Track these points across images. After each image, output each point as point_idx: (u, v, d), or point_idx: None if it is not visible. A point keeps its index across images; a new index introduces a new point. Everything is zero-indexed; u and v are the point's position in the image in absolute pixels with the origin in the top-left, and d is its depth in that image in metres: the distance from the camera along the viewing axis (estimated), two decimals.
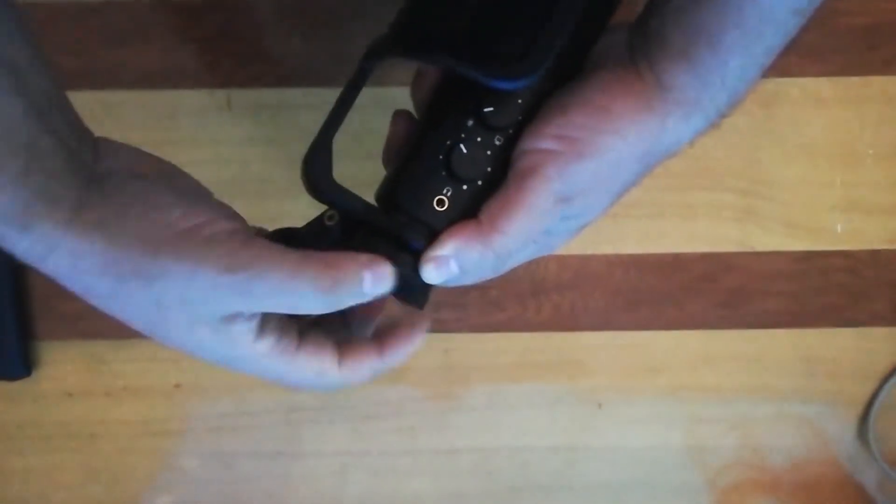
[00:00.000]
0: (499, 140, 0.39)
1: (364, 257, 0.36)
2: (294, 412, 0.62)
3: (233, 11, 0.60)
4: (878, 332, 0.62)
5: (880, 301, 0.62)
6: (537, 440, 0.63)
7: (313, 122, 0.62)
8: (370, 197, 0.40)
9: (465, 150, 0.38)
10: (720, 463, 0.63)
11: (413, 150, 0.40)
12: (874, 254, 0.62)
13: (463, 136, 0.38)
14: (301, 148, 0.62)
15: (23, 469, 0.62)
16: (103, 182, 0.35)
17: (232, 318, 0.35)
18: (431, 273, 0.38)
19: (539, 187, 0.37)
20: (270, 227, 0.61)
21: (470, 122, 0.38)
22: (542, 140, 0.37)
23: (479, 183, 0.39)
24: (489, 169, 0.39)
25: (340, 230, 0.39)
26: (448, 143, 0.38)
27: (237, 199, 0.61)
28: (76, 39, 0.60)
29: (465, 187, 0.38)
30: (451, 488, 0.63)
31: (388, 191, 0.40)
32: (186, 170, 0.60)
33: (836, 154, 0.61)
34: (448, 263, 0.37)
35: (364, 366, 0.40)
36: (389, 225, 0.38)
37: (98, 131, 0.61)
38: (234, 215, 0.38)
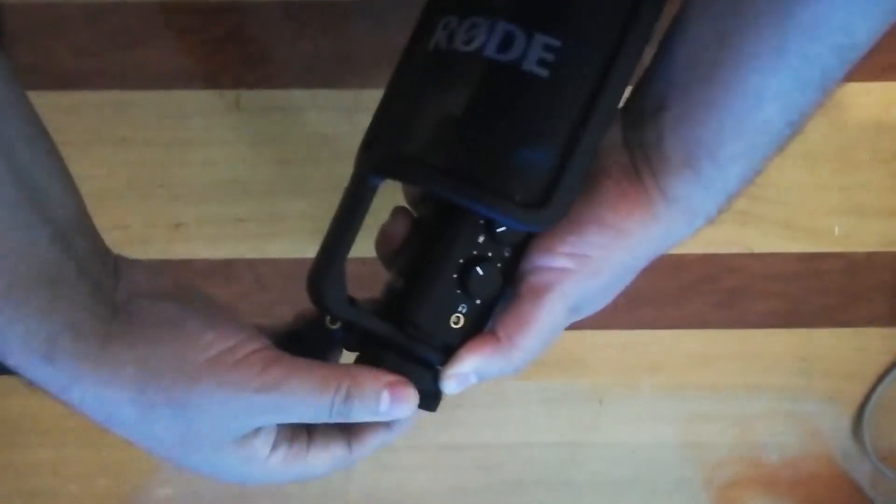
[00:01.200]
0: (508, 252, 0.39)
1: (386, 377, 0.37)
2: None
3: (243, 14, 0.61)
4: (874, 333, 0.63)
5: (876, 302, 0.63)
6: (539, 436, 0.63)
7: (321, 123, 0.63)
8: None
9: (481, 273, 0.38)
10: (717, 459, 0.63)
11: (423, 264, 0.38)
12: (870, 256, 0.63)
13: (475, 252, 0.38)
14: (308, 149, 0.62)
15: (32, 462, 0.62)
16: (126, 308, 0.35)
17: (255, 433, 0.36)
18: (452, 387, 0.38)
19: (554, 304, 0.38)
20: (279, 226, 0.62)
21: (481, 239, 0.38)
22: (556, 258, 0.37)
23: (493, 297, 0.39)
24: (501, 283, 0.39)
25: (344, 332, 0.39)
26: (461, 261, 0.38)
27: (246, 198, 0.62)
28: (88, 40, 0.60)
29: (478, 302, 0.39)
30: (454, 483, 0.63)
31: (401, 308, 0.39)
32: (197, 169, 0.63)
33: (835, 158, 0.62)
34: (468, 378, 0.38)
35: (374, 440, 0.41)
36: (406, 343, 0.38)
37: (110, 131, 0.62)
38: (254, 332, 0.37)
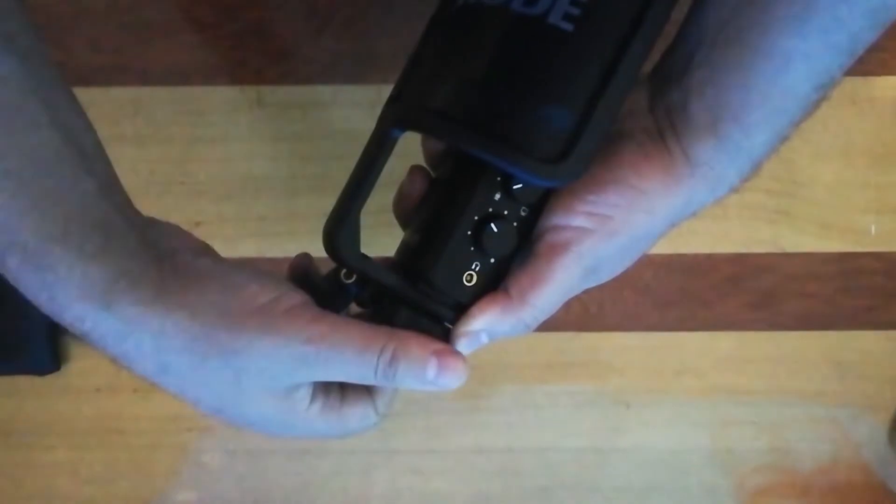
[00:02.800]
0: (524, 211, 0.39)
1: (431, 345, 0.37)
2: None
3: (263, 9, 0.61)
4: None
5: None
6: (564, 440, 0.62)
7: (342, 120, 0.62)
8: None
9: (495, 229, 0.38)
10: (749, 466, 0.62)
11: (438, 221, 0.39)
12: None
13: (491, 210, 0.38)
14: (329, 146, 0.62)
15: (50, 463, 0.62)
16: (171, 260, 0.36)
17: (297, 386, 0.37)
18: (464, 346, 0.38)
19: (570, 263, 0.38)
20: (301, 224, 0.62)
21: (497, 196, 0.38)
22: (575, 217, 0.37)
23: (507, 256, 0.39)
24: (516, 242, 0.39)
25: (358, 287, 0.39)
26: (476, 217, 0.38)
27: (266, 196, 0.62)
28: (108, 36, 0.61)
29: (492, 261, 0.39)
30: (477, 488, 0.62)
31: (415, 264, 0.39)
32: (217, 166, 0.62)
33: (871, 155, 0.61)
34: (479, 336, 0.38)
35: (390, 398, 0.41)
36: (419, 299, 0.38)
37: (130, 127, 0.62)
38: (294, 288, 0.38)
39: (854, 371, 0.62)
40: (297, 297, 0.37)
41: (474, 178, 0.38)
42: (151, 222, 0.38)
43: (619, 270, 0.40)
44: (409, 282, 0.38)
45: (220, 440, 0.62)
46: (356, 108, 0.61)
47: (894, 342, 0.62)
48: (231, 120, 0.61)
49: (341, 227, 0.37)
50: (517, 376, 0.62)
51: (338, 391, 0.39)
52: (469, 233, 0.38)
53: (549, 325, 0.61)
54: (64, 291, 0.33)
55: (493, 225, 0.38)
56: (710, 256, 0.61)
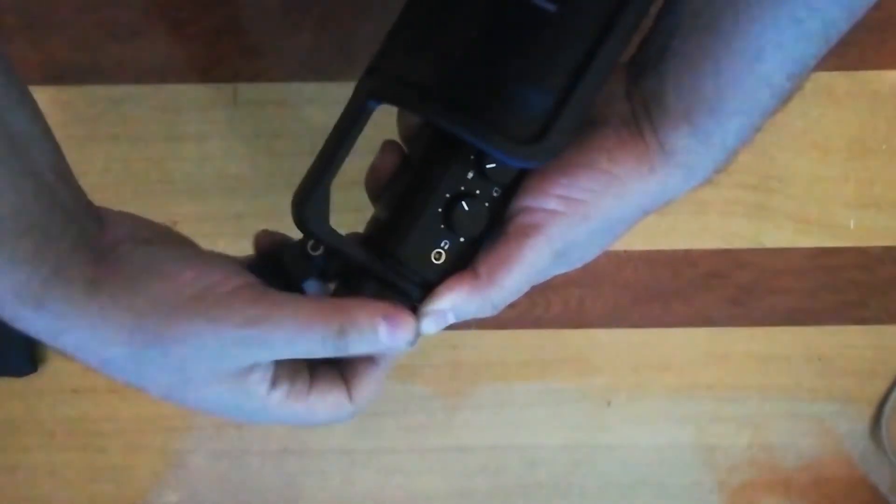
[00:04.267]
0: (496, 191, 0.38)
1: (378, 308, 0.36)
2: None
3: (239, 5, 0.60)
4: (892, 330, 0.62)
5: (893, 298, 0.62)
6: (546, 438, 0.62)
7: (320, 118, 0.62)
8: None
9: (466, 208, 0.37)
10: (731, 462, 0.63)
11: (409, 197, 0.38)
12: (888, 250, 0.61)
13: (463, 188, 0.38)
14: (307, 144, 0.62)
15: (28, 466, 0.62)
16: (111, 253, 0.36)
17: (249, 369, 0.36)
18: (430, 325, 0.38)
19: (540, 246, 0.37)
20: (279, 222, 0.62)
21: (470, 175, 0.38)
22: (547, 200, 0.37)
23: (477, 235, 0.39)
24: (487, 222, 0.39)
25: (324, 259, 0.39)
26: (447, 196, 0.38)
27: (243, 194, 0.61)
28: (81, 33, 0.60)
29: (462, 240, 0.38)
30: (459, 486, 0.62)
31: (384, 239, 0.39)
32: (194, 164, 0.62)
33: (849, 149, 0.61)
34: (446, 315, 0.38)
35: (372, 388, 0.41)
36: (386, 274, 0.38)
37: (105, 126, 0.61)
38: (237, 269, 0.38)
39: (835, 366, 0.62)
40: (237, 280, 0.36)
41: (447, 156, 0.38)
42: (99, 212, 0.38)
43: (589, 257, 0.40)
44: (377, 257, 0.38)
45: (201, 441, 0.62)
46: (333, 105, 0.59)
47: (875, 336, 0.62)
48: (207, 118, 0.60)
49: (311, 197, 0.37)
50: (498, 374, 0.62)
51: (305, 378, 0.39)
52: (440, 210, 0.37)
53: (529, 323, 0.61)
54: None
55: (464, 203, 0.37)
56: (689, 252, 0.61)
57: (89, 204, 0.38)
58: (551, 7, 0.34)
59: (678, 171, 0.38)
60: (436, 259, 0.38)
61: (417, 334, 0.37)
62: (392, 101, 0.37)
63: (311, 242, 0.39)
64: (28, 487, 0.62)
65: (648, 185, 0.38)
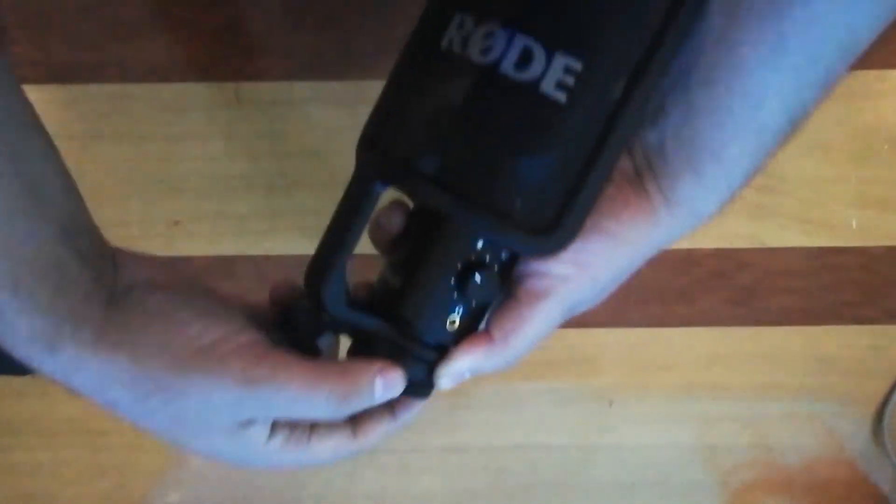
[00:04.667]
0: (505, 254, 0.38)
1: (376, 366, 0.37)
2: None
3: (241, 5, 0.60)
4: (893, 330, 0.62)
5: (895, 298, 0.62)
6: (548, 438, 0.62)
7: (322, 117, 0.62)
8: None
9: (479, 280, 0.38)
10: (732, 462, 0.62)
11: (421, 266, 0.38)
12: (890, 250, 0.61)
13: (473, 257, 0.38)
14: (309, 143, 0.62)
15: (30, 465, 0.62)
16: (124, 298, 0.37)
17: (247, 423, 0.37)
18: (446, 384, 0.39)
19: (551, 308, 0.38)
20: (281, 222, 0.62)
21: (480, 244, 0.38)
22: (556, 265, 0.38)
23: (489, 300, 0.39)
24: (499, 288, 0.39)
25: (337, 322, 0.39)
26: (459, 265, 0.37)
27: (245, 193, 0.61)
28: (84, 33, 0.60)
29: (474, 304, 0.39)
30: (460, 486, 0.62)
31: (399, 307, 0.39)
32: (196, 164, 0.62)
33: (852, 149, 0.61)
34: (462, 375, 0.39)
35: (378, 430, 0.41)
36: (403, 342, 0.39)
37: (108, 125, 0.61)
38: (247, 324, 0.38)
39: (836, 366, 0.62)
40: (243, 336, 0.37)
41: (457, 227, 0.38)
42: (116, 256, 0.39)
43: (597, 302, 0.41)
44: (392, 323, 0.38)
45: None
46: (336, 104, 0.61)
47: (876, 337, 0.62)
48: (210, 117, 0.61)
49: (326, 279, 0.37)
50: (500, 374, 0.62)
51: (306, 425, 0.40)
52: (452, 281, 0.38)
53: None
54: (11, 334, 0.35)
55: (477, 276, 0.37)
56: (691, 252, 0.61)
57: (106, 248, 0.39)
58: (561, 97, 0.33)
59: (683, 217, 0.38)
60: (450, 325, 0.39)
61: (431, 391, 0.39)
62: (402, 188, 0.36)
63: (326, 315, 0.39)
64: (30, 486, 0.62)
65: (654, 237, 0.38)
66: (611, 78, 0.34)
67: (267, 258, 0.61)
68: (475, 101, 0.34)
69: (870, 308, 0.62)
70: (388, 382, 0.37)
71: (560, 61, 0.33)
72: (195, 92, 0.60)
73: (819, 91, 0.35)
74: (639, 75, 0.33)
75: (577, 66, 0.33)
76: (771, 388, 0.62)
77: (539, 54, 0.33)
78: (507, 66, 0.33)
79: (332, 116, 0.61)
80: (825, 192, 0.61)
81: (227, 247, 0.61)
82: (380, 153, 0.37)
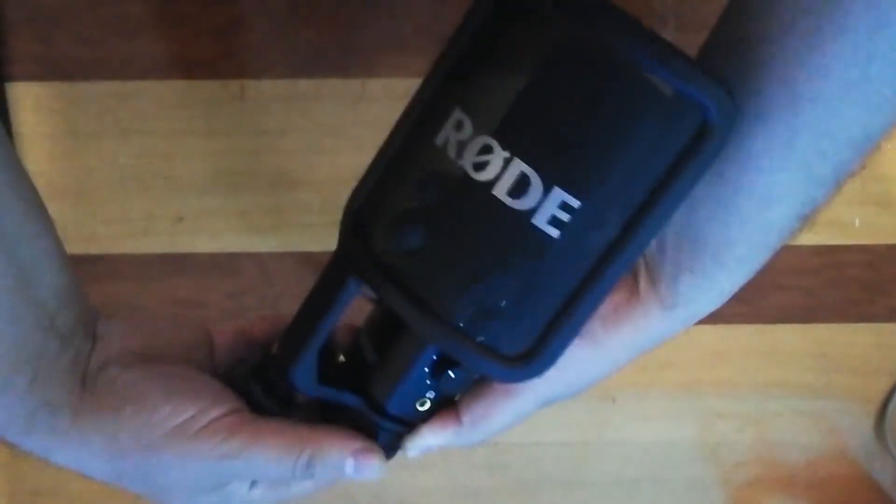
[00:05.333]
0: None
1: (352, 446, 0.38)
2: None
3: (246, 2, 0.60)
4: None
5: None
6: (550, 435, 0.62)
7: (326, 114, 0.62)
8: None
9: (452, 375, 0.37)
10: (734, 459, 0.63)
11: (396, 351, 0.37)
12: (893, 248, 0.61)
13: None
14: (313, 140, 0.62)
15: (36, 460, 0.62)
16: (99, 375, 0.37)
17: (234, 485, 0.38)
18: (412, 454, 0.40)
19: (526, 402, 0.38)
20: (284, 218, 0.62)
21: None
22: None
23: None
24: (472, 382, 0.39)
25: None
26: (434, 357, 0.36)
27: (249, 190, 0.61)
28: (90, 30, 0.60)
29: (447, 392, 0.38)
30: (464, 483, 0.62)
31: (371, 385, 0.38)
32: (200, 160, 0.62)
33: None
34: (430, 448, 0.40)
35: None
36: (371, 415, 0.38)
37: (112, 121, 0.61)
38: (219, 396, 0.38)
39: (839, 364, 0.62)
40: (215, 411, 0.37)
41: None
42: (95, 327, 0.39)
43: (573, 396, 0.40)
44: (363, 399, 0.38)
45: None
46: (339, 101, 0.61)
47: (879, 334, 0.62)
48: (214, 114, 0.61)
49: (297, 364, 0.37)
50: None
51: None
52: (426, 370, 0.37)
53: None
54: None
55: (451, 373, 0.37)
56: None
57: (89, 319, 0.39)
58: (554, 233, 0.31)
59: (676, 319, 0.37)
60: (420, 406, 0.38)
61: (383, 472, 0.39)
62: (379, 295, 0.35)
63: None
64: (36, 481, 0.62)
65: (642, 342, 0.37)
66: (610, 218, 0.31)
67: (270, 255, 0.61)
68: (462, 217, 0.32)
69: (873, 306, 0.62)
70: (362, 463, 0.38)
71: (557, 196, 0.30)
72: (199, 88, 0.60)
73: (829, 189, 0.33)
74: (642, 216, 0.31)
75: (576, 203, 0.30)
76: (773, 385, 0.62)
77: (536, 185, 0.30)
78: (501, 190, 0.31)
79: (336, 113, 0.60)
80: None
81: (231, 243, 0.61)
82: (361, 244, 0.35)
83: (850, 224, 0.61)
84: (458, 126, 0.32)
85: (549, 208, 0.31)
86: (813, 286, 0.62)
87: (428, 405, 0.38)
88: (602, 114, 0.30)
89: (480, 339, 0.33)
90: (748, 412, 0.62)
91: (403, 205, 0.34)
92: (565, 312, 0.33)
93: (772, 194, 0.33)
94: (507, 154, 0.31)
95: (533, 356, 0.33)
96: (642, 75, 0.29)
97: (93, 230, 0.59)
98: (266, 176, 0.61)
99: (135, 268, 0.60)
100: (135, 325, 0.40)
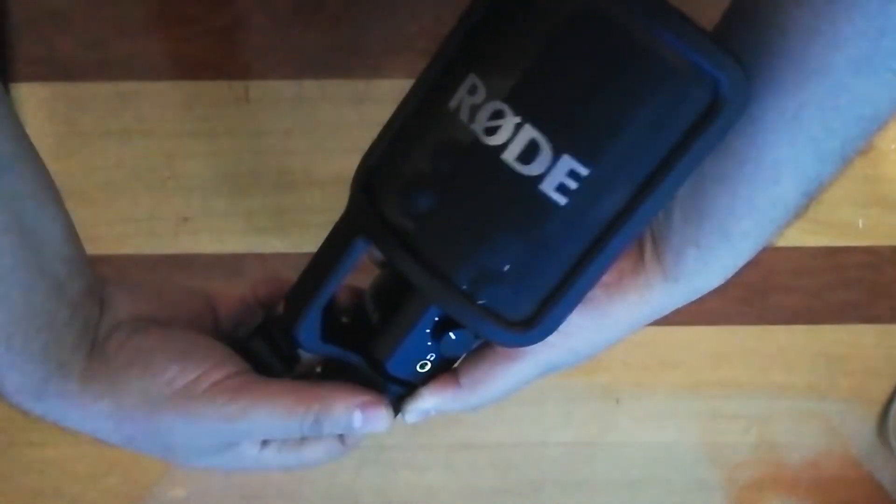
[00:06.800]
0: None
1: (357, 398, 0.38)
2: None
3: (251, 3, 0.60)
4: None
5: None
6: (554, 435, 0.62)
7: (331, 114, 0.62)
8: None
9: (454, 338, 0.37)
10: (737, 460, 0.63)
11: (400, 311, 0.38)
12: None
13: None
14: (318, 141, 0.62)
15: (39, 460, 0.62)
16: (107, 341, 0.38)
17: (235, 443, 0.38)
18: (411, 418, 0.40)
19: (527, 368, 0.38)
20: (289, 219, 0.62)
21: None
22: None
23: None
24: (474, 344, 0.39)
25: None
26: (436, 318, 0.37)
27: (254, 191, 0.61)
28: (94, 31, 0.60)
29: (448, 355, 0.39)
30: (467, 483, 0.62)
31: (373, 345, 0.39)
32: (204, 161, 0.62)
33: None
34: (428, 412, 0.40)
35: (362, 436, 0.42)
36: (372, 375, 0.39)
37: (116, 122, 0.61)
38: (221, 357, 0.38)
39: (842, 365, 0.62)
40: (219, 372, 0.37)
41: None
42: (103, 293, 0.39)
43: (575, 366, 0.40)
44: (365, 358, 0.39)
45: None
46: (344, 102, 0.61)
47: (882, 336, 0.62)
48: (218, 114, 0.61)
49: (301, 322, 0.37)
50: None
51: None
52: (428, 331, 0.37)
53: None
54: (2, 385, 0.36)
55: (452, 335, 0.37)
56: None
57: (96, 286, 0.39)
58: (561, 200, 0.31)
59: (679, 293, 0.37)
60: (420, 368, 0.39)
61: (391, 423, 0.39)
62: (387, 257, 0.35)
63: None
64: (38, 482, 0.62)
65: (644, 312, 0.37)
66: (618, 188, 0.31)
67: (274, 255, 0.61)
68: (470, 181, 0.32)
69: (876, 307, 0.62)
70: (370, 415, 0.38)
71: (566, 163, 0.30)
72: (203, 89, 0.60)
73: (836, 165, 0.33)
74: (649, 188, 0.31)
75: (584, 171, 0.30)
76: (777, 386, 0.62)
77: (545, 151, 0.31)
78: (510, 155, 0.31)
79: (340, 114, 0.61)
80: (832, 191, 0.60)
81: (235, 244, 0.61)
82: (370, 204, 0.35)
83: (854, 225, 0.61)
84: (472, 90, 0.32)
85: (558, 175, 0.31)
86: (816, 287, 0.62)
87: (428, 367, 0.39)
88: (615, 83, 0.30)
89: (482, 301, 0.33)
90: (751, 413, 0.62)
91: (414, 167, 0.34)
92: (568, 281, 0.33)
93: (779, 168, 0.33)
94: (518, 119, 0.31)
95: (534, 322, 0.34)
96: (656, 46, 0.29)
97: (97, 231, 0.59)
98: (271, 177, 0.61)
99: (139, 268, 0.60)
100: (141, 291, 0.41)
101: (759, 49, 0.32)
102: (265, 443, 0.39)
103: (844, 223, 0.61)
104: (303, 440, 0.40)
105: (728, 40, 0.33)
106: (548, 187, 0.31)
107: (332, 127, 0.61)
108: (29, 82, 0.59)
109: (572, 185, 0.31)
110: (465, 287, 0.33)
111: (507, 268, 0.33)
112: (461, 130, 0.32)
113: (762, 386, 0.62)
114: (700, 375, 0.62)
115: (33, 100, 0.60)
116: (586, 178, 0.31)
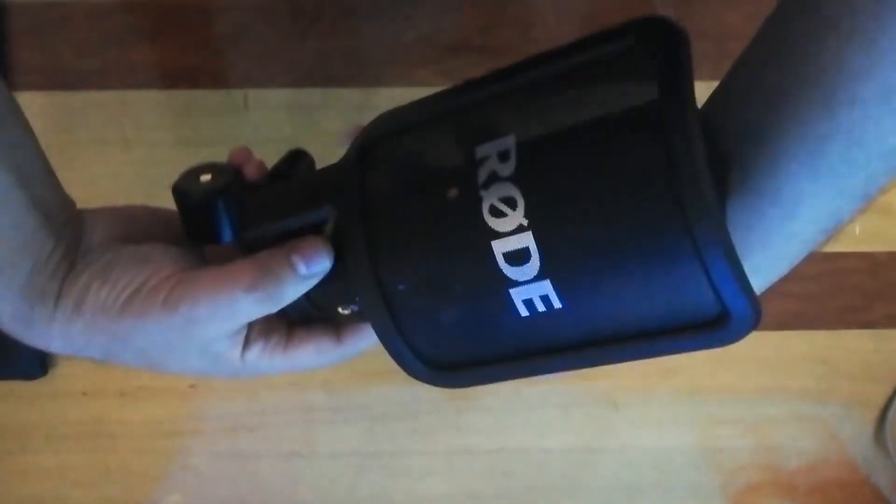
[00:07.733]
0: None
1: (287, 247, 0.37)
2: (309, 412, 0.62)
3: (249, 11, 0.60)
4: None
5: None
6: (553, 441, 0.62)
7: (331, 123, 0.62)
8: None
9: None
10: (735, 464, 0.63)
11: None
12: (893, 255, 0.62)
13: None
14: (317, 148, 0.62)
15: (38, 468, 0.62)
16: (81, 261, 0.39)
17: (209, 342, 0.38)
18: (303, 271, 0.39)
19: None
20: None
21: None
22: None
23: None
24: None
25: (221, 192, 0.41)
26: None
27: None
28: (93, 40, 0.60)
29: None
30: (466, 489, 0.62)
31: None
32: None
33: None
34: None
35: (365, 335, 0.41)
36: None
37: (115, 131, 0.61)
38: (178, 258, 0.39)
39: (839, 370, 0.62)
40: (165, 271, 0.38)
41: None
42: (81, 218, 0.40)
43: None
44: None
45: (209, 443, 0.62)
46: (343, 110, 0.61)
47: (879, 341, 0.62)
48: (218, 123, 0.60)
49: (253, 233, 0.39)
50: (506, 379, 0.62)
51: (282, 332, 0.40)
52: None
53: None
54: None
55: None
56: None
57: (73, 214, 0.40)
58: (523, 312, 0.31)
59: None
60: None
61: (332, 255, 0.38)
62: (342, 229, 0.35)
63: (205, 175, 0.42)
64: (38, 490, 0.62)
65: None
66: (579, 333, 0.31)
67: None
68: (453, 235, 0.32)
69: (873, 312, 0.62)
70: (308, 258, 0.37)
71: (545, 287, 0.30)
72: (203, 98, 0.60)
73: (857, 202, 0.32)
74: (606, 346, 0.31)
75: (557, 304, 0.30)
76: (774, 391, 0.62)
77: (533, 266, 0.30)
78: (500, 246, 0.30)
79: (340, 123, 0.61)
80: None
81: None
82: (358, 170, 0.35)
83: (851, 231, 0.62)
84: (504, 157, 0.31)
85: (532, 292, 0.30)
86: (814, 293, 0.62)
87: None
88: (632, 255, 0.29)
89: (403, 327, 0.34)
90: (749, 418, 0.62)
91: (414, 166, 0.34)
92: (490, 365, 0.33)
93: (798, 203, 0.31)
94: (525, 221, 0.30)
95: (451, 371, 0.34)
96: (694, 255, 0.28)
97: None
98: None
99: None
100: (115, 212, 0.42)
101: (784, 76, 0.31)
102: (248, 343, 0.39)
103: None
104: (289, 339, 0.40)
105: (755, 67, 0.32)
106: (517, 295, 0.31)
107: (331, 135, 0.61)
108: (29, 91, 0.59)
109: (540, 307, 0.30)
110: (394, 314, 0.34)
111: (443, 319, 0.33)
112: (471, 187, 0.31)
113: (760, 391, 0.62)
114: (698, 381, 0.62)
115: (33, 109, 0.58)
116: (556, 310, 0.30)
